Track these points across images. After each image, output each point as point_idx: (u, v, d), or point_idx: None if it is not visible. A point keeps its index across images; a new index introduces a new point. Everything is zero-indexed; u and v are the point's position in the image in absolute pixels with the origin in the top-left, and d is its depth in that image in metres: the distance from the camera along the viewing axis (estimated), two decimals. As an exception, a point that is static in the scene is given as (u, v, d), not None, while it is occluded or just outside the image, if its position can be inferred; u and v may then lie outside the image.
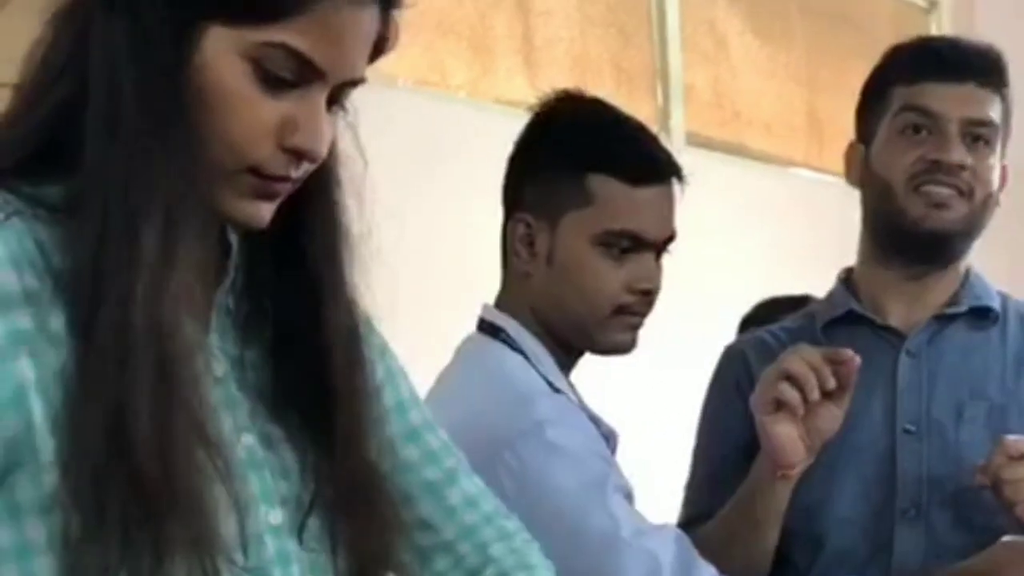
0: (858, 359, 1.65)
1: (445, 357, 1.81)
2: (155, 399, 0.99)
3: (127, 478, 0.97)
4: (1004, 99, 1.87)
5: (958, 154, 1.82)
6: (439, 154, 3.78)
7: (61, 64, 1.04)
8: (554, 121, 1.78)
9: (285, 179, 1.07)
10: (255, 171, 1.05)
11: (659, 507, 3.11)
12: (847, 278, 1.97)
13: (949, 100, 1.84)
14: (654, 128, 2.04)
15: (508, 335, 1.74)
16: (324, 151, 1.07)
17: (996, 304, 1.91)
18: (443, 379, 1.79)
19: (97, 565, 0.97)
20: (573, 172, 1.72)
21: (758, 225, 4.62)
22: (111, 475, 0.97)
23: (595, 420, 1.74)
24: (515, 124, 1.81)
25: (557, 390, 1.72)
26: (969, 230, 1.87)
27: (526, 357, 1.72)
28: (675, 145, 4.48)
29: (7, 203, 1.02)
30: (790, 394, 1.64)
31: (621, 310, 1.73)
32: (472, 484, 1.30)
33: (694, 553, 1.64)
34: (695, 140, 4.80)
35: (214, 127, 1.03)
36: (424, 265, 3.38)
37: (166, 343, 1.00)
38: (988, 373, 1.87)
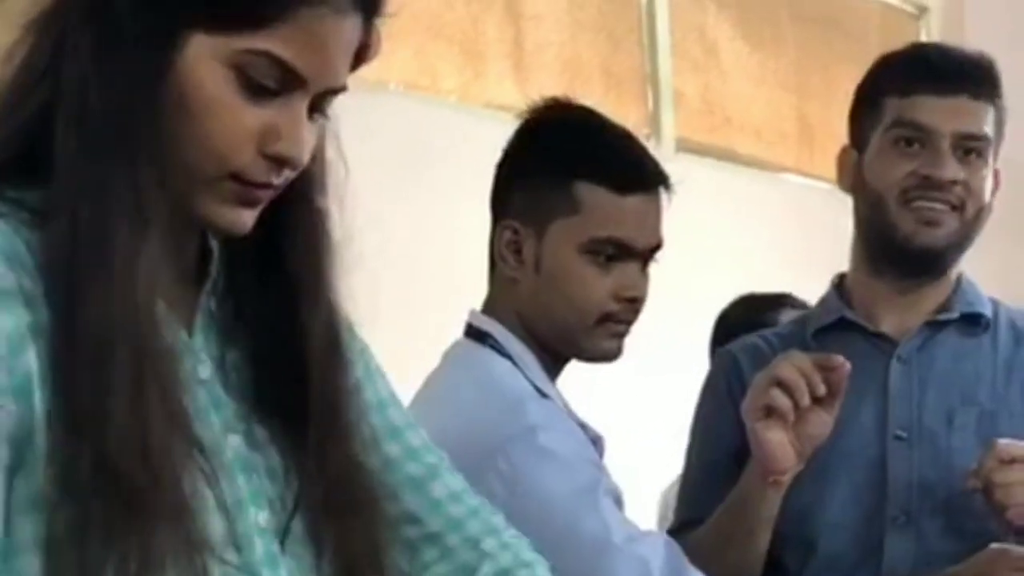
0: (848, 365, 1.65)
1: (433, 361, 1.81)
2: (136, 399, 0.99)
3: (112, 478, 0.97)
4: (997, 108, 1.87)
5: (950, 170, 1.82)
6: (428, 158, 3.79)
7: (42, 68, 1.04)
8: (542, 128, 1.78)
9: (267, 186, 1.07)
10: (237, 178, 1.05)
11: (646, 512, 3.11)
12: (840, 284, 1.97)
13: (941, 114, 1.83)
14: (644, 133, 2.04)
15: (495, 341, 1.74)
16: (306, 158, 1.08)
17: (988, 311, 1.91)
18: (430, 384, 1.78)
19: (81, 565, 0.97)
20: (561, 180, 1.72)
21: (748, 231, 4.62)
22: (95, 475, 0.97)
23: (582, 426, 1.75)
24: (505, 129, 1.81)
25: (545, 395, 1.72)
26: (961, 243, 1.87)
27: (514, 363, 1.72)
28: (665, 150, 4.49)
29: None
30: (781, 400, 1.64)
31: (607, 318, 1.73)
32: (455, 480, 1.30)
33: (684, 560, 1.64)
34: (685, 145, 4.81)
35: (196, 133, 1.03)
36: (412, 269, 3.38)
37: (144, 344, 1.00)
38: (979, 379, 1.87)
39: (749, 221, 4.67)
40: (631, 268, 1.74)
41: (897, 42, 2.01)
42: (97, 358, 0.98)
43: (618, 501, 1.67)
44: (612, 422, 1.98)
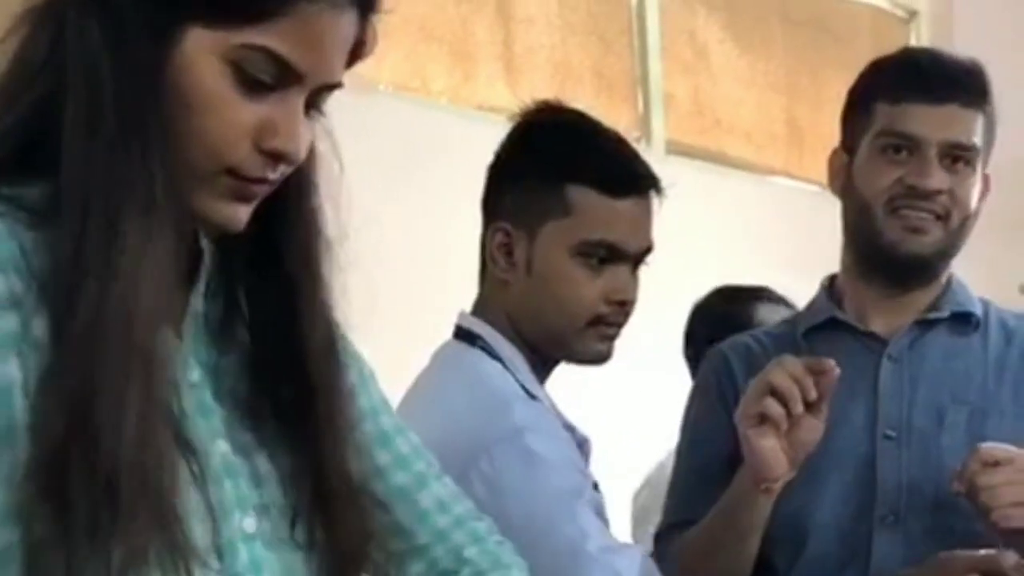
0: (837, 370, 1.65)
1: (423, 362, 1.81)
2: (129, 401, 0.98)
3: (97, 481, 0.96)
4: (987, 115, 1.87)
5: (936, 180, 1.83)
6: (419, 159, 3.78)
7: (39, 63, 1.03)
8: (534, 131, 1.79)
9: (262, 181, 1.06)
10: (232, 172, 1.05)
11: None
12: (830, 285, 1.98)
13: (930, 123, 1.84)
14: (634, 136, 2.05)
15: (485, 342, 1.74)
16: (302, 154, 1.07)
17: (978, 310, 1.92)
18: (419, 385, 1.79)
19: (66, 568, 0.96)
20: (552, 182, 1.72)
21: (738, 233, 4.63)
22: (81, 478, 0.96)
23: (570, 428, 1.75)
24: (495, 131, 1.82)
25: (533, 397, 1.72)
26: (947, 250, 1.88)
27: (503, 364, 1.73)
28: (655, 153, 4.49)
29: None
30: (775, 409, 1.64)
31: (597, 320, 1.73)
32: (443, 487, 1.30)
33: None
34: (675, 148, 4.81)
35: (192, 128, 1.03)
36: (403, 271, 3.37)
37: (143, 345, 0.99)
38: (969, 378, 1.87)
39: (738, 223, 4.67)
40: (622, 271, 1.74)
41: (887, 45, 2.01)
42: (93, 358, 0.98)
43: (599, 511, 1.67)
44: (601, 424, 1.98)
